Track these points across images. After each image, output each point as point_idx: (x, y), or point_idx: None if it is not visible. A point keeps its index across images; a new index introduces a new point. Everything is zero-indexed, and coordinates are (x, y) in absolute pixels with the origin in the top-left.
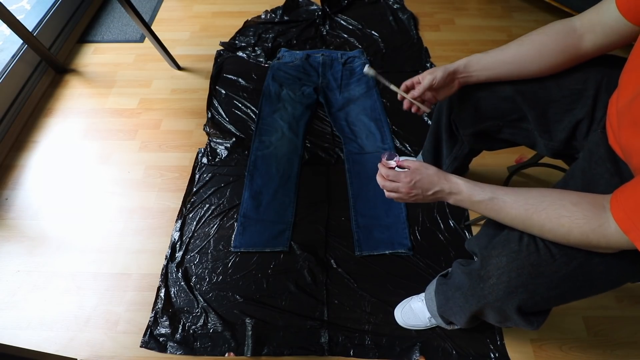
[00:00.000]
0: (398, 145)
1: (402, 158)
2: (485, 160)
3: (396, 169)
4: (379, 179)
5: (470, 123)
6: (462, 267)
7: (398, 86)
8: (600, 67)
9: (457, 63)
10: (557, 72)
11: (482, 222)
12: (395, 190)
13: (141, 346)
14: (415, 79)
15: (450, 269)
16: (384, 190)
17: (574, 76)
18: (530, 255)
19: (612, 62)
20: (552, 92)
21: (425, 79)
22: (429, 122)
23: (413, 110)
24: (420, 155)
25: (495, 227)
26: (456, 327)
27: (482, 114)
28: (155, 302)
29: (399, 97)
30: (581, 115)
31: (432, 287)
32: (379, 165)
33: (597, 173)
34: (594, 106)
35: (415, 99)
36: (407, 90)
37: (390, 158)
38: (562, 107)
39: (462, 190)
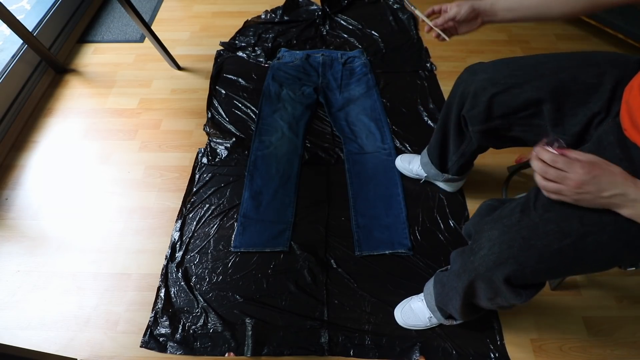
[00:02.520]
0: (398, 145)
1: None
2: (486, 160)
3: None
4: (537, 165)
5: (481, 120)
6: (457, 250)
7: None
8: (616, 64)
9: (485, 1)
10: (576, 17)
11: None
12: (560, 180)
13: (141, 346)
14: (443, 6)
15: (449, 266)
16: (539, 180)
17: (589, 70)
18: (522, 229)
19: (627, 61)
20: (569, 85)
21: (451, 9)
22: (429, 122)
23: (433, 35)
24: (424, 151)
25: (488, 209)
26: (455, 323)
27: (495, 111)
28: (155, 302)
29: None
30: (597, 109)
31: (430, 282)
32: (539, 150)
33: (606, 157)
34: (611, 99)
35: (437, 26)
36: (432, 14)
37: (551, 143)
38: (577, 101)
39: None
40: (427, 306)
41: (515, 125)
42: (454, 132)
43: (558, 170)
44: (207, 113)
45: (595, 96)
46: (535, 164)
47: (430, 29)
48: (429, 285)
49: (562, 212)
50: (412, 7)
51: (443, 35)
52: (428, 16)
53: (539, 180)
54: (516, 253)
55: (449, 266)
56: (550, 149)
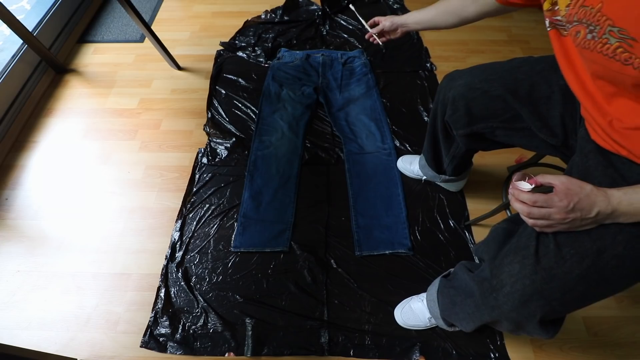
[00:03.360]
0: (398, 145)
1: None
2: (485, 160)
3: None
4: (520, 207)
5: (463, 124)
6: (471, 273)
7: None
8: None
9: (401, 18)
10: (455, 27)
11: (482, 222)
12: (545, 217)
13: (141, 346)
14: (377, 19)
15: (452, 269)
16: (526, 219)
17: (559, 73)
18: (541, 259)
19: None
20: (542, 88)
21: (380, 24)
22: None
23: (371, 40)
24: (422, 154)
25: (503, 234)
26: (457, 329)
27: (475, 115)
28: (155, 302)
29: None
30: (570, 110)
31: (434, 288)
32: (514, 192)
33: (591, 165)
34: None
35: (374, 33)
36: (373, 24)
37: (521, 179)
38: (552, 103)
39: (621, 200)
40: (430, 312)
41: (498, 129)
42: (442, 136)
43: (540, 208)
44: (207, 113)
45: (569, 97)
46: (518, 207)
47: (370, 35)
48: (433, 292)
49: (572, 232)
50: (360, 19)
51: (377, 40)
52: (370, 26)
53: (526, 220)
54: (540, 287)
55: (452, 273)
56: (524, 184)
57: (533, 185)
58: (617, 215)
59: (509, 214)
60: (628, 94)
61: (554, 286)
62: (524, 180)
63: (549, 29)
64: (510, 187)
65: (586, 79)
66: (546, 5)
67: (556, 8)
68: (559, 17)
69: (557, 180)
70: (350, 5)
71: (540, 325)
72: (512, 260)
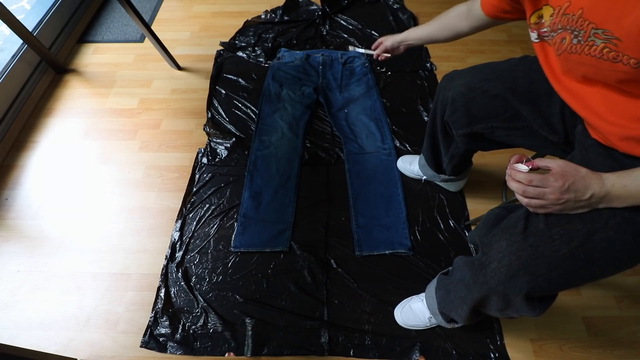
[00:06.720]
0: (398, 145)
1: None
2: (485, 160)
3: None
4: (515, 186)
5: (462, 124)
6: (464, 259)
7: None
8: None
9: (401, 35)
10: (450, 41)
11: None
12: (539, 196)
13: (141, 346)
14: (381, 39)
15: (450, 267)
16: (521, 198)
17: None
18: (528, 237)
19: None
20: (541, 85)
21: (382, 45)
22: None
23: (380, 59)
24: (421, 154)
25: (495, 218)
26: (456, 326)
27: (474, 115)
28: (155, 302)
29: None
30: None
31: (432, 285)
32: (511, 172)
33: (591, 157)
34: None
35: (380, 53)
36: (378, 44)
37: (519, 161)
38: (553, 100)
39: (614, 183)
40: (429, 309)
41: (498, 129)
42: (442, 136)
43: (535, 187)
44: (207, 113)
45: None
46: (513, 185)
47: (378, 55)
48: (431, 289)
49: (564, 214)
50: (366, 51)
51: (385, 55)
52: (375, 47)
53: (520, 199)
54: (526, 263)
55: (451, 269)
56: (521, 165)
57: (530, 167)
58: (611, 199)
59: None
60: (612, 88)
61: (540, 263)
62: (522, 162)
63: (536, 41)
64: (508, 167)
65: (571, 85)
66: (533, 19)
67: (542, 20)
68: (545, 29)
69: (553, 163)
70: (350, 47)
71: (526, 301)
72: (500, 237)
